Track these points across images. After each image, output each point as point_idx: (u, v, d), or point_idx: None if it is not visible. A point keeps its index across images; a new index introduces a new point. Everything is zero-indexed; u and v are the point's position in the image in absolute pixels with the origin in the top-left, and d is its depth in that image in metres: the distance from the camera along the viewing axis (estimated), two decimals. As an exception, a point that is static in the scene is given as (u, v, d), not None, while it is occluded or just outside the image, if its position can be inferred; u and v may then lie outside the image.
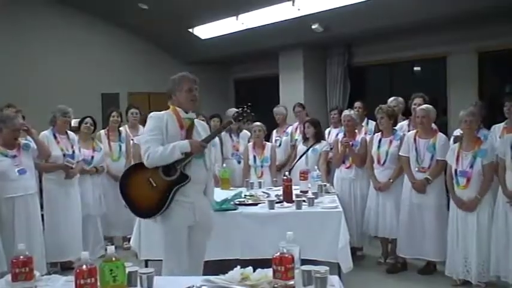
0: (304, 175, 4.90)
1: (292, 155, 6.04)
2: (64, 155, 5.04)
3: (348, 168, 5.33)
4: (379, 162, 5.04)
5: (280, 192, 4.69)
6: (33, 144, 4.65)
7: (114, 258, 2.10)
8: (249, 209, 4.41)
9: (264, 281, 2.28)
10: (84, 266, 2.04)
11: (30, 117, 5.61)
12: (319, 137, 5.70)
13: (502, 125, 4.97)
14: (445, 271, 4.54)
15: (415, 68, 8.61)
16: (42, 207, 4.89)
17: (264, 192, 4.99)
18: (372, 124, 6.03)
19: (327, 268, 2.22)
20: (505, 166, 4.15)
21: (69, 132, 5.27)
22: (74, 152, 5.13)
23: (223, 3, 8.01)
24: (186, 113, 3.36)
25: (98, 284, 2.08)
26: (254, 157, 5.77)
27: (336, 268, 3.95)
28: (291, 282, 2.13)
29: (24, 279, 2.19)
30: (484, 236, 4.28)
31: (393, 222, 4.96)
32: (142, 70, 10.67)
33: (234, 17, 8.34)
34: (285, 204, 4.46)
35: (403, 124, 5.62)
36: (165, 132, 3.25)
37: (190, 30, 9.52)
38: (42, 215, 4.83)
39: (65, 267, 5.06)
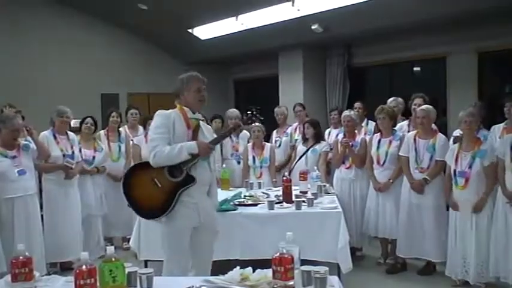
0: (303, 175, 4.91)
1: (291, 155, 6.05)
2: (64, 155, 5.04)
3: (347, 168, 5.33)
4: (378, 162, 5.04)
5: (280, 193, 4.69)
6: (32, 145, 4.64)
7: (113, 259, 2.10)
8: (249, 210, 4.41)
9: (263, 282, 2.28)
10: (83, 267, 2.04)
11: (29, 118, 5.62)
12: (318, 137, 5.70)
13: (501, 125, 4.97)
14: (446, 271, 4.55)
15: (415, 69, 8.61)
16: (42, 207, 4.89)
17: (263, 193, 4.99)
18: (372, 124, 6.03)
19: (327, 268, 2.22)
20: (505, 166, 4.15)
21: (69, 132, 5.27)
22: (73, 152, 5.13)
23: (223, 4, 8.01)
24: (193, 113, 3.33)
25: (98, 284, 2.07)
26: (253, 158, 5.77)
27: (335, 268, 3.95)
28: (291, 283, 2.13)
29: (24, 280, 2.19)
30: (483, 236, 4.28)
31: (393, 222, 4.96)
32: (142, 70, 10.67)
33: (234, 18, 8.34)
34: (285, 204, 4.46)
35: (402, 124, 5.63)
36: (172, 131, 3.22)
37: (190, 30, 9.52)
38: (42, 216, 4.82)
39: (64, 268, 5.06)
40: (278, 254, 2.14)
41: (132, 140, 6.12)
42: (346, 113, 5.53)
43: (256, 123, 5.64)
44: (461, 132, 4.65)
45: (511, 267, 4.07)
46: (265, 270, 2.38)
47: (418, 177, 4.72)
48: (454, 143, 4.75)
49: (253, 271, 2.42)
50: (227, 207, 4.29)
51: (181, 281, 2.51)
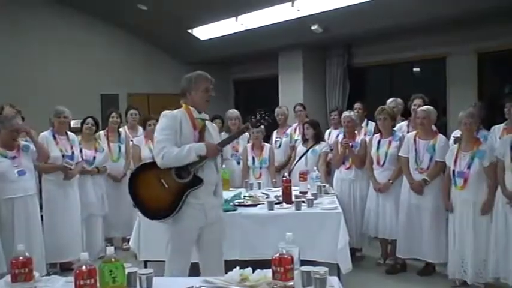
0: (303, 176, 4.91)
1: (291, 156, 6.05)
2: (63, 155, 5.04)
3: (347, 169, 5.33)
4: (378, 163, 5.04)
5: (280, 193, 4.69)
6: (32, 146, 4.64)
7: (113, 259, 2.11)
8: (249, 210, 4.41)
9: (263, 282, 2.28)
10: (83, 267, 2.04)
11: (29, 118, 5.62)
12: (318, 138, 5.70)
13: (502, 125, 4.96)
14: (447, 272, 4.55)
15: (415, 69, 8.60)
16: (42, 208, 4.88)
17: (263, 193, 4.99)
18: (372, 125, 6.03)
19: (326, 269, 2.22)
20: (504, 167, 4.15)
21: (69, 133, 5.26)
22: (73, 153, 5.12)
23: (223, 4, 8.01)
24: (199, 113, 3.31)
25: (98, 284, 2.08)
26: (253, 158, 5.77)
27: (335, 269, 3.96)
28: (290, 283, 2.13)
29: (24, 280, 2.20)
30: (482, 236, 4.28)
31: (393, 223, 4.96)
32: (142, 71, 10.67)
33: (234, 18, 8.34)
34: (284, 205, 4.46)
35: (402, 125, 5.63)
36: (179, 132, 3.20)
37: (190, 31, 9.52)
38: (42, 216, 4.82)
39: (64, 268, 5.06)
40: (278, 255, 2.14)
41: (131, 141, 6.11)
42: (346, 113, 5.53)
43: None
44: (461, 133, 4.65)
45: (511, 268, 4.07)
46: (264, 270, 2.38)
47: (418, 178, 4.72)
48: (455, 143, 4.75)
49: (253, 271, 2.42)
50: (227, 207, 4.28)
51: (181, 281, 2.51)
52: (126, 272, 2.18)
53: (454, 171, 4.41)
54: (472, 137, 4.42)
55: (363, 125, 6.19)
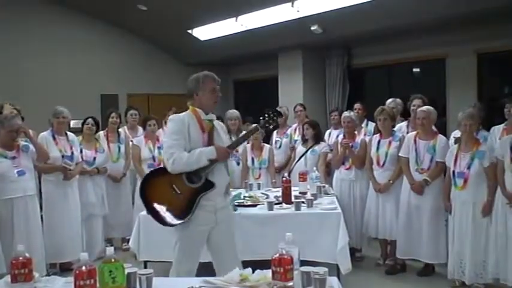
0: (303, 176, 4.91)
1: (291, 156, 6.05)
2: (63, 156, 5.04)
3: (347, 169, 5.34)
4: (378, 163, 5.04)
5: (279, 194, 4.69)
6: (32, 146, 4.63)
7: (113, 260, 2.11)
8: (248, 210, 4.41)
9: (263, 282, 2.28)
10: (83, 267, 2.04)
11: (28, 119, 5.61)
12: (318, 138, 5.70)
13: (501, 126, 4.97)
14: (446, 272, 4.55)
15: (414, 70, 8.61)
16: (42, 208, 4.88)
17: (263, 194, 4.99)
18: (372, 125, 6.03)
19: (326, 269, 2.21)
20: (504, 167, 4.16)
21: (68, 133, 5.26)
22: (73, 153, 5.13)
23: (223, 5, 8.02)
24: (206, 114, 3.28)
25: (97, 285, 2.08)
26: (252, 159, 5.77)
27: (334, 269, 3.96)
28: (290, 284, 2.13)
29: (24, 281, 2.20)
30: (481, 237, 4.28)
31: (393, 223, 4.96)
32: (142, 71, 10.67)
33: (234, 19, 8.34)
34: (284, 205, 4.46)
35: (401, 125, 5.64)
36: (188, 136, 3.18)
37: (190, 31, 9.52)
38: (42, 216, 4.82)
39: (64, 268, 5.06)
40: (277, 255, 2.14)
41: (131, 141, 6.12)
42: (346, 113, 5.53)
43: (255, 125, 5.67)
44: (460, 133, 4.65)
45: (510, 269, 4.07)
46: (264, 271, 2.38)
47: (418, 178, 4.72)
48: (455, 143, 4.75)
49: (253, 272, 2.42)
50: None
51: (181, 281, 2.51)
52: (125, 273, 2.18)
53: (453, 171, 4.41)
54: (471, 137, 4.42)
55: (363, 125, 6.20)
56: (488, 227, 4.26)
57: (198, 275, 3.17)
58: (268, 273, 2.26)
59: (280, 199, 4.58)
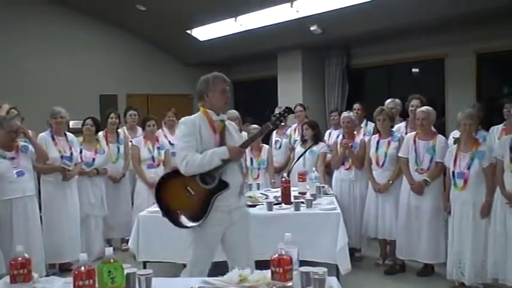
0: (302, 176, 4.91)
1: (290, 157, 6.05)
2: (62, 156, 5.04)
3: (347, 169, 5.34)
4: (377, 164, 5.03)
5: (279, 194, 4.69)
6: (31, 147, 4.63)
7: (112, 260, 2.11)
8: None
9: (262, 283, 2.28)
10: (82, 268, 2.04)
11: (28, 119, 5.62)
12: (317, 138, 5.70)
13: (500, 126, 4.98)
14: (446, 272, 4.55)
15: (414, 70, 8.62)
16: (41, 208, 4.88)
17: (262, 194, 4.99)
18: (371, 126, 6.03)
19: (325, 269, 2.22)
20: (503, 167, 4.16)
21: (68, 133, 5.26)
22: (72, 154, 5.12)
23: (222, 5, 8.01)
24: (217, 115, 3.27)
25: (96, 285, 2.08)
26: (251, 159, 5.77)
27: (334, 269, 3.96)
28: (289, 284, 2.13)
29: (23, 281, 2.20)
30: (480, 237, 4.28)
31: (392, 223, 4.96)
32: (141, 72, 10.66)
33: (233, 19, 8.34)
34: (283, 205, 4.46)
35: (400, 125, 5.64)
36: (199, 137, 3.17)
37: (189, 31, 9.52)
38: (41, 217, 4.81)
39: (63, 269, 5.06)
40: (277, 255, 2.14)
41: (131, 141, 6.11)
42: (345, 114, 5.54)
43: (254, 125, 5.68)
44: (459, 134, 4.65)
45: (509, 269, 4.07)
46: (264, 271, 2.38)
47: (418, 179, 4.72)
48: (454, 144, 4.75)
49: (252, 272, 2.42)
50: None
51: (181, 281, 2.51)
52: (125, 273, 2.18)
53: (453, 172, 4.41)
54: (471, 137, 4.42)
55: (362, 125, 6.20)
56: (488, 227, 4.26)
57: (209, 275, 3.17)
58: (268, 273, 2.26)
59: (280, 199, 4.57)
